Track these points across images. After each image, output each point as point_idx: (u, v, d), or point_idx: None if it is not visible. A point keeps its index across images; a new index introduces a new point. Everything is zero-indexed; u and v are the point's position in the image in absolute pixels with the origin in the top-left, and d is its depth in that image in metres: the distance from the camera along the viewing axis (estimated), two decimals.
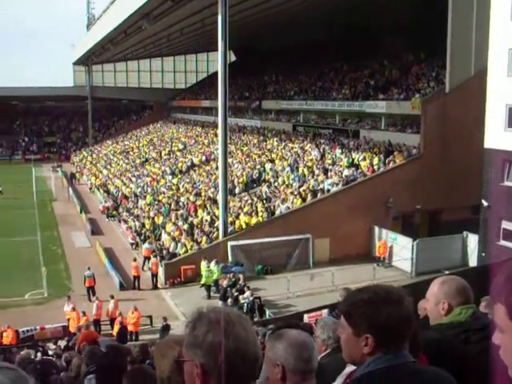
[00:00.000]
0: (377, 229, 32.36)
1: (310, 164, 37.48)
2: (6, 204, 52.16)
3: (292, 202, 32.56)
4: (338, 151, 38.28)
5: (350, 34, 47.67)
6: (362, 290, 2.42)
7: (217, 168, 37.35)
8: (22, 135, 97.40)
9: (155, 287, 30.10)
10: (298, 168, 37.62)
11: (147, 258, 32.15)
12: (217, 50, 31.56)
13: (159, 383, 3.06)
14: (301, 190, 33.47)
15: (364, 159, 35.05)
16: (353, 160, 35.65)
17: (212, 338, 1.92)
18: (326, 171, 35.34)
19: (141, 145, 71.89)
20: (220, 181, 32.17)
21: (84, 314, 23.87)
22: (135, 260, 30.62)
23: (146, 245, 33.20)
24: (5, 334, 22.95)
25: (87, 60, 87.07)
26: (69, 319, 24.28)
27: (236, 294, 25.94)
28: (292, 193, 33.52)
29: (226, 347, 1.90)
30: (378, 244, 31.59)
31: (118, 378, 4.13)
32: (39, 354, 17.51)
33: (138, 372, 3.94)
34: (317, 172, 35.65)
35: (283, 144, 45.62)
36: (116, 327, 22.83)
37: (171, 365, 2.93)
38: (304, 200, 32.41)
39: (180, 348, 2.92)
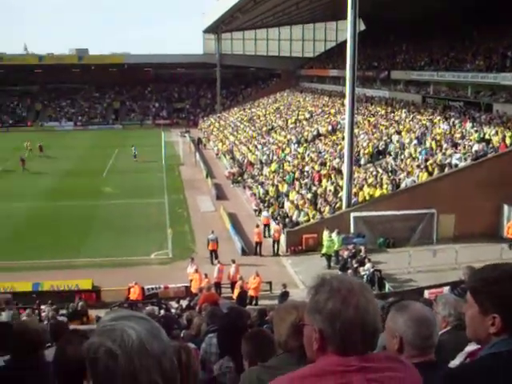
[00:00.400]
0: (506, 208, 30.77)
1: (438, 137, 36.36)
2: (138, 167, 54.52)
3: (418, 176, 31.83)
4: (468, 125, 36.84)
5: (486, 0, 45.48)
6: (490, 267, 2.32)
7: (343, 138, 36.96)
8: (152, 101, 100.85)
9: (276, 254, 30.54)
10: (425, 141, 36.64)
11: (266, 226, 32.63)
12: (346, 19, 31.12)
13: (277, 346, 3.17)
14: (427, 163, 32.59)
15: (496, 134, 33.46)
16: (484, 135, 34.19)
17: (332, 305, 1.95)
18: (454, 145, 34.18)
19: (267, 113, 72.40)
20: (346, 151, 31.89)
21: (206, 276, 24.41)
22: (258, 226, 30.97)
23: (265, 213, 33.70)
24: (132, 290, 24.13)
25: (217, 28, 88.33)
26: (191, 280, 24.97)
27: (356, 265, 25.84)
28: (418, 166, 32.71)
29: (345, 315, 1.93)
30: (507, 224, 30.11)
31: (237, 338, 4.30)
32: (162, 311, 18.33)
33: (257, 334, 4.06)
34: (445, 146, 34.53)
35: (411, 116, 44.50)
36: (236, 291, 23.19)
37: (288, 329, 3.03)
38: (430, 174, 31.56)
39: (298, 313, 3.03)
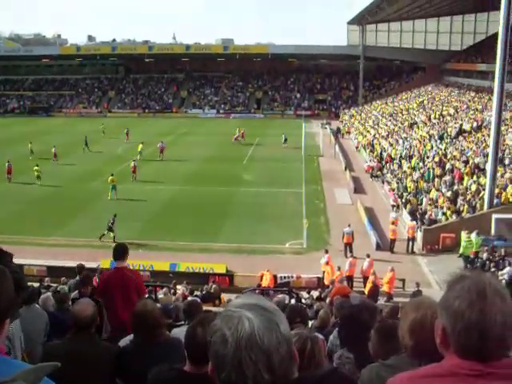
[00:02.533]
0: None
1: None
2: (277, 156, 55.25)
3: None
4: None
5: None
6: None
7: (488, 136, 35.51)
8: (295, 91, 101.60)
9: (411, 251, 29.98)
10: None
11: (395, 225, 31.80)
12: (499, 9, 29.78)
13: (401, 340, 3.16)
14: None
15: None
16: None
17: (458, 305, 1.90)
18: None
19: (410, 107, 70.87)
20: (490, 149, 30.61)
21: (339, 268, 24.36)
22: (393, 223, 30.54)
23: (392, 213, 33.12)
24: (264, 277, 24.60)
25: (362, 19, 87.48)
26: (324, 272, 25.17)
27: (494, 268, 24.82)
28: None
29: (468, 319, 1.87)
30: None
31: (359, 331, 4.30)
32: (293, 300, 18.51)
33: (385, 327, 4.06)
34: None
35: None
36: (368, 285, 23.09)
37: (407, 326, 3.00)
38: None
39: (419, 312, 3.00)
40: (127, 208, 36.72)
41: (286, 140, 61.79)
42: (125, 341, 5.00)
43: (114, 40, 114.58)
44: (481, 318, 1.87)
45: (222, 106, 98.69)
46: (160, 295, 16.87)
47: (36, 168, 43.04)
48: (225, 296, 21.43)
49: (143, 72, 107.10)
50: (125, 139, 64.59)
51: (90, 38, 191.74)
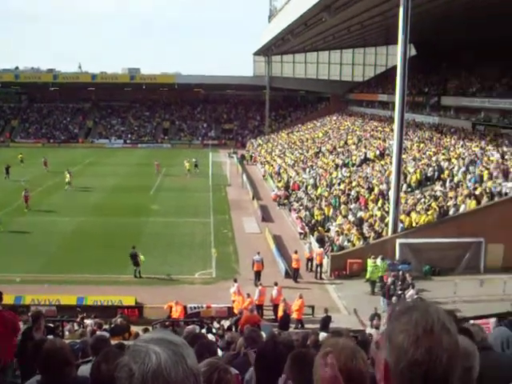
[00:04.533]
0: None
1: (488, 165, 35.78)
2: (185, 186, 55.09)
3: (465, 204, 31.32)
4: None
5: None
6: None
7: (391, 163, 36.72)
8: (202, 121, 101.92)
9: (319, 278, 30.37)
10: (475, 168, 36.07)
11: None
12: (397, 44, 31.06)
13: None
14: (476, 191, 32.06)
15: None
16: None
17: (402, 340, 1.76)
18: (506, 174, 33.54)
19: (316, 136, 72.45)
20: (393, 176, 31.68)
21: (248, 296, 24.45)
22: (296, 252, 30.63)
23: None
24: (174, 309, 24.28)
25: (267, 51, 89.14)
26: (233, 301, 25.11)
27: (400, 292, 25.51)
28: (467, 194, 32.19)
29: (413, 357, 1.73)
30: None
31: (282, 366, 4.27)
32: (204, 331, 18.34)
33: (300, 355, 4.02)
34: (495, 174, 33.93)
35: (461, 143, 43.93)
36: (280, 313, 23.25)
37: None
38: (479, 202, 31.05)
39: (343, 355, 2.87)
40: (29, 241, 35.48)
41: (196, 166, 62.67)
42: (31, 382, 4.77)
43: (16, 68, 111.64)
44: (426, 358, 1.73)
45: (129, 135, 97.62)
46: (66, 331, 16.32)
47: None
48: (134, 329, 20.98)
49: (48, 101, 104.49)
50: (44, 168, 63.60)
51: None
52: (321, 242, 32.87)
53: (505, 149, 38.07)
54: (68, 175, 53.36)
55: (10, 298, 23.41)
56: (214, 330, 19.09)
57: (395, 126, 31.72)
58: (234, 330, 18.87)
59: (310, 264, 31.26)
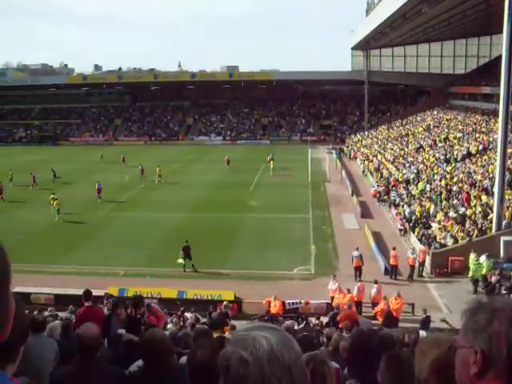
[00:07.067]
0: None
1: None
2: (284, 182, 55.24)
3: None
4: None
5: None
6: None
7: (495, 158, 35.43)
8: (300, 117, 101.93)
9: (420, 275, 29.74)
10: None
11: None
12: (501, 33, 29.86)
13: (417, 375, 2.96)
14: None
15: None
16: None
17: (497, 326, 1.77)
18: None
19: (416, 131, 70.97)
20: (497, 172, 30.51)
21: (348, 291, 24.26)
22: (394, 249, 30.17)
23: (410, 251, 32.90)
24: (272, 304, 24.43)
25: (365, 45, 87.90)
26: (332, 297, 25.04)
27: (505, 291, 24.58)
28: None
29: (511, 337, 1.75)
30: None
31: (374, 361, 4.20)
32: (302, 326, 18.37)
33: (395, 355, 3.93)
34: None
35: None
36: (380, 310, 22.97)
37: (429, 365, 2.81)
38: None
39: (440, 349, 2.81)
40: (134, 235, 36.79)
41: (272, 159, 63.30)
42: (134, 366, 4.95)
43: (120, 69, 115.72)
44: None
45: (228, 132, 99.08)
46: (168, 324, 16.73)
47: (53, 196, 42.57)
48: (233, 323, 21.30)
49: (149, 100, 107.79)
50: (122, 164, 67.45)
51: (97, 67, 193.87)
52: (421, 239, 32.17)
53: None
54: (157, 169, 55.98)
55: (114, 290, 24.40)
56: (311, 325, 19.10)
57: (500, 119, 30.55)
58: (331, 325, 18.81)
59: (421, 268, 30.09)
